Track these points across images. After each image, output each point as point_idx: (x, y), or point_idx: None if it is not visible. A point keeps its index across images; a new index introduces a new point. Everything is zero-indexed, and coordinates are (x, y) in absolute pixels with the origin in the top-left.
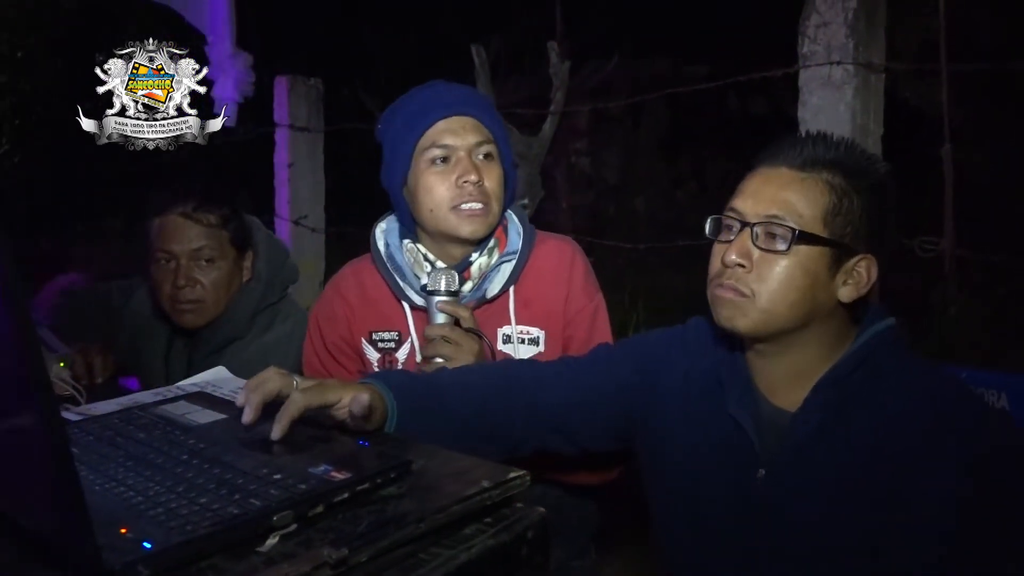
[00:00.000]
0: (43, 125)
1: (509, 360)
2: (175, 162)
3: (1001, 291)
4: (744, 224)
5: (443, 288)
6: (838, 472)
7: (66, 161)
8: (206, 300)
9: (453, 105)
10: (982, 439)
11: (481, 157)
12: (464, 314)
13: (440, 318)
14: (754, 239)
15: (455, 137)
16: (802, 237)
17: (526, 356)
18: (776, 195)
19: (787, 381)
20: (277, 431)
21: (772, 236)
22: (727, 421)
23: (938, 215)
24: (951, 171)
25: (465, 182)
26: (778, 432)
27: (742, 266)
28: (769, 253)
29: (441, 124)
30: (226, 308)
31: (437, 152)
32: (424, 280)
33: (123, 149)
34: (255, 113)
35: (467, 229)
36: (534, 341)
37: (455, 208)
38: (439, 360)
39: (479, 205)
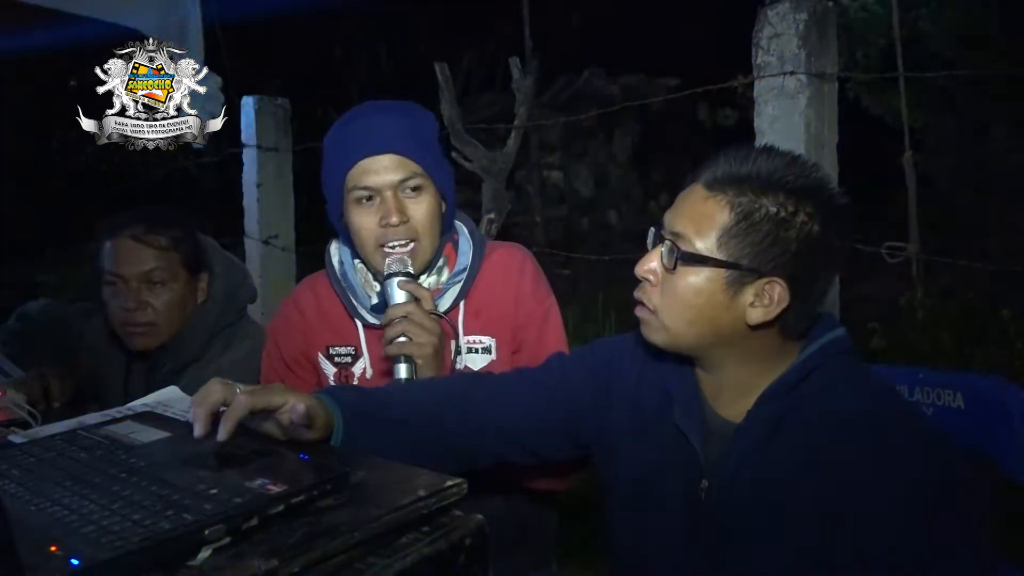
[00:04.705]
0: (13, 151)
1: (461, 374)
2: (147, 186)
3: (968, 294)
4: (659, 238)
5: (401, 269)
6: (779, 484)
7: (37, 187)
8: (158, 323)
9: (375, 143)
10: (917, 465)
11: (408, 191)
12: (424, 294)
13: (401, 297)
14: (662, 255)
15: (377, 177)
16: (688, 258)
17: (478, 366)
18: (684, 213)
19: (731, 393)
20: (223, 433)
21: (670, 254)
22: (673, 431)
23: (905, 221)
24: (913, 177)
25: (387, 224)
26: (723, 443)
27: (649, 280)
28: (669, 271)
29: (364, 163)
30: (182, 330)
31: (361, 192)
32: (375, 300)
33: (94, 174)
34: (226, 134)
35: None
36: (486, 350)
37: (381, 248)
38: (402, 339)
39: (405, 245)
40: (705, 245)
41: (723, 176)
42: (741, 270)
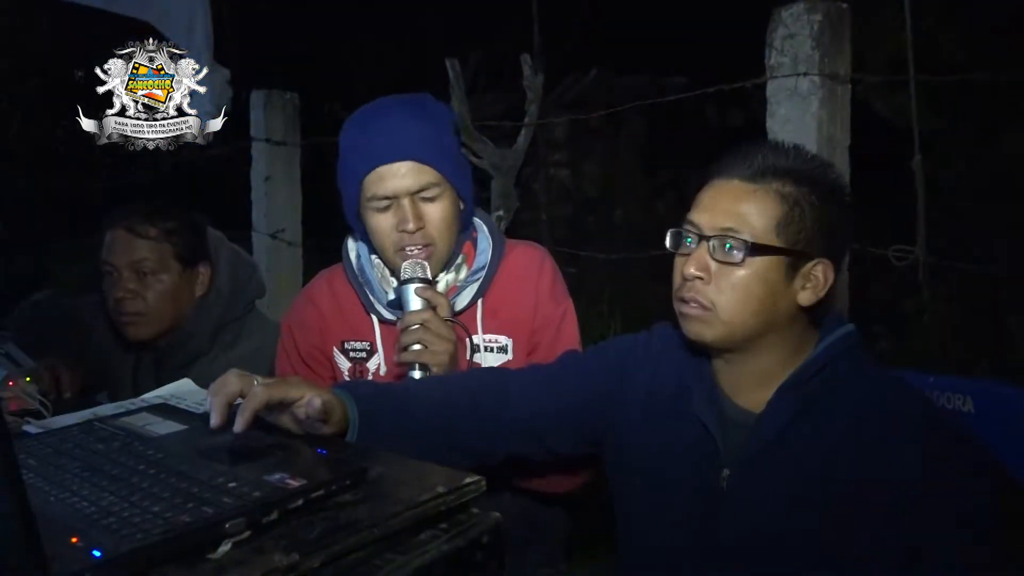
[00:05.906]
0: (21, 142)
1: (476, 370)
2: (155, 178)
3: (975, 299)
4: (702, 237)
5: (418, 275)
6: (800, 472)
7: (45, 178)
8: (147, 313)
9: (393, 151)
10: (932, 430)
11: (425, 197)
12: (441, 301)
13: (417, 304)
14: (711, 252)
15: (396, 184)
16: (756, 248)
17: (494, 364)
18: (730, 208)
19: (751, 383)
20: (239, 424)
21: (728, 248)
22: (692, 422)
23: (911, 224)
24: (922, 180)
25: (404, 230)
26: (742, 433)
27: (700, 279)
28: (726, 265)
29: (381, 170)
30: (185, 323)
31: (381, 202)
32: (392, 296)
33: (102, 166)
34: (233, 128)
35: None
36: (503, 349)
37: (399, 252)
38: (416, 347)
39: (421, 250)
40: (766, 236)
41: (764, 169)
42: (798, 255)
